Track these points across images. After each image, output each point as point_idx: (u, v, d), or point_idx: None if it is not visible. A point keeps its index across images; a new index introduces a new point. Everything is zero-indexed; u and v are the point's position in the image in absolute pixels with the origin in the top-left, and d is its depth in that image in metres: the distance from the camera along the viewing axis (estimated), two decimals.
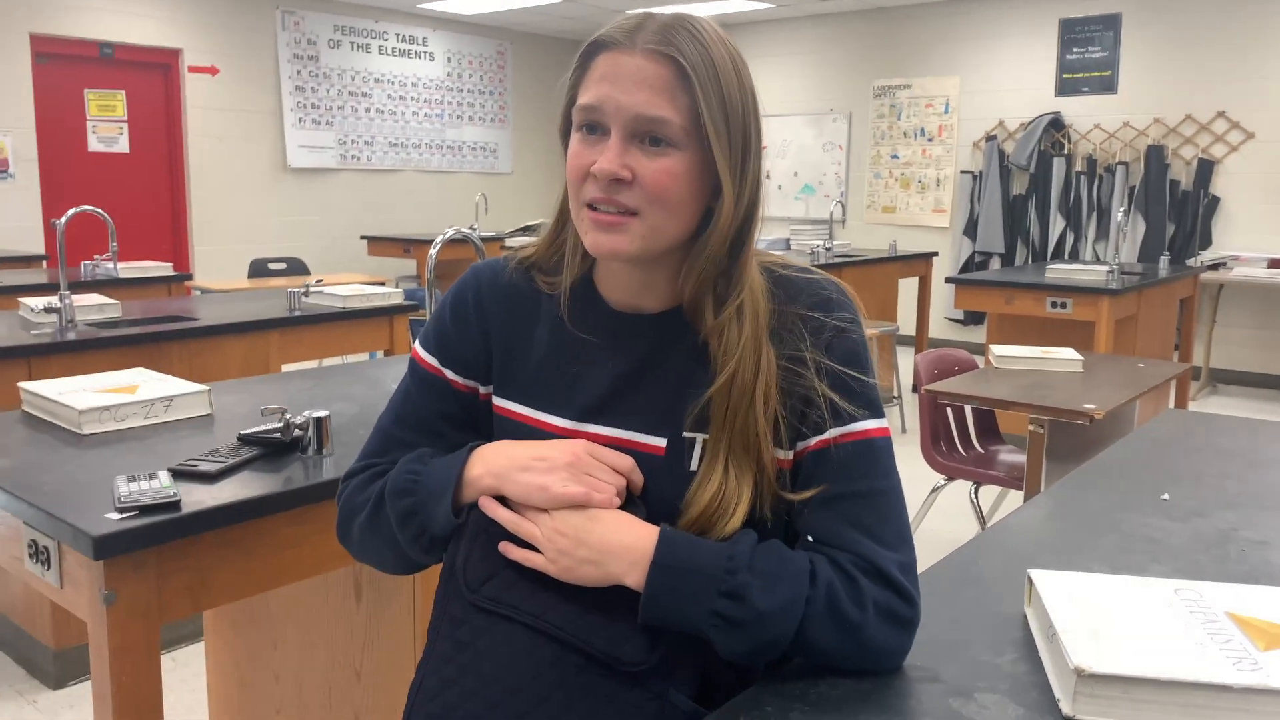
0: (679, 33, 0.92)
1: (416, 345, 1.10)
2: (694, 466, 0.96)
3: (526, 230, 7.69)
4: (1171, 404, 4.31)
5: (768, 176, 9.15)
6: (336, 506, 1.08)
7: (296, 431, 1.65)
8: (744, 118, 0.94)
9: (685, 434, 0.97)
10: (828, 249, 6.23)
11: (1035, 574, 1.02)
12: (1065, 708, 0.84)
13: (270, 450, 1.64)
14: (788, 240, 8.13)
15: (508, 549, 0.94)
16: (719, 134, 0.92)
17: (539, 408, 1.02)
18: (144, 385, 1.97)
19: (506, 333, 1.05)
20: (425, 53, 8.86)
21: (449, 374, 1.07)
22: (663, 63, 0.91)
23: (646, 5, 8.16)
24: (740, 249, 0.96)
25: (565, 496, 0.92)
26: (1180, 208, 7.06)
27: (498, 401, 1.06)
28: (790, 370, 0.96)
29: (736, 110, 0.93)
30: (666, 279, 1.00)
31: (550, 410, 1.02)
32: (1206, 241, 6.94)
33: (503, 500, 0.96)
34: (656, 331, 1.00)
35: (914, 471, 3.80)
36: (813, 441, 0.95)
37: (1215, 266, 6.50)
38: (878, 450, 0.95)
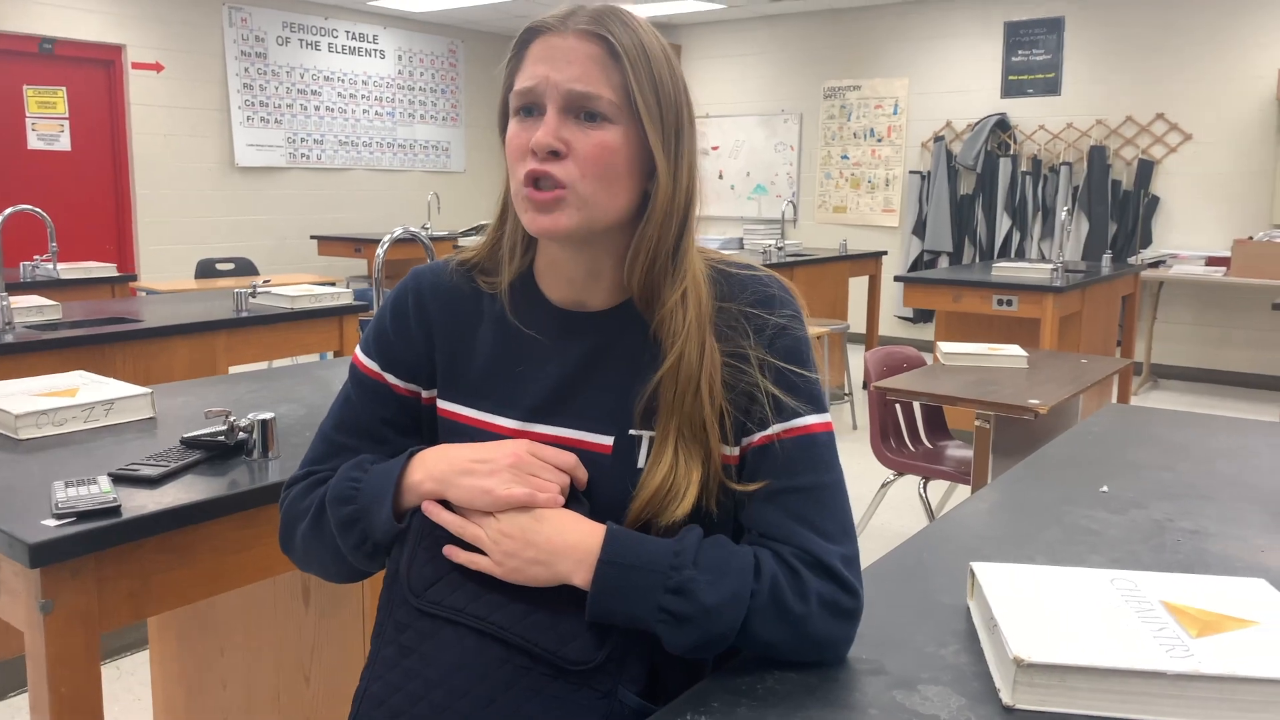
0: (609, 17, 0.95)
1: (357, 350, 1.09)
2: (641, 463, 0.96)
3: (479, 230, 7.64)
4: (1114, 399, 4.40)
5: (720, 177, 9.21)
6: (279, 509, 1.07)
7: (241, 434, 1.62)
8: (675, 100, 0.96)
9: (632, 431, 0.97)
10: (780, 248, 6.27)
11: (977, 566, 1.04)
12: (1005, 697, 0.86)
13: (214, 453, 1.62)
14: (740, 240, 8.18)
15: (452, 553, 0.94)
16: (650, 111, 0.94)
17: (484, 409, 1.02)
18: (84, 388, 1.93)
19: (449, 334, 1.05)
20: (376, 50, 8.76)
21: (390, 378, 1.06)
22: (595, 41, 0.94)
23: (592, 4, 8.14)
24: (682, 236, 0.98)
25: (509, 499, 0.92)
26: (1122, 207, 7.22)
27: (442, 404, 1.05)
28: (734, 366, 0.97)
29: (668, 91, 0.95)
30: (610, 270, 1.00)
31: (496, 411, 1.02)
32: (1147, 240, 7.11)
33: (446, 504, 0.96)
34: (600, 328, 1.01)
35: (864, 467, 3.85)
36: (756, 437, 0.96)
37: (1156, 264, 6.66)
38: (820, 445, 0.97)
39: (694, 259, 0.99)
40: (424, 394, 1.07)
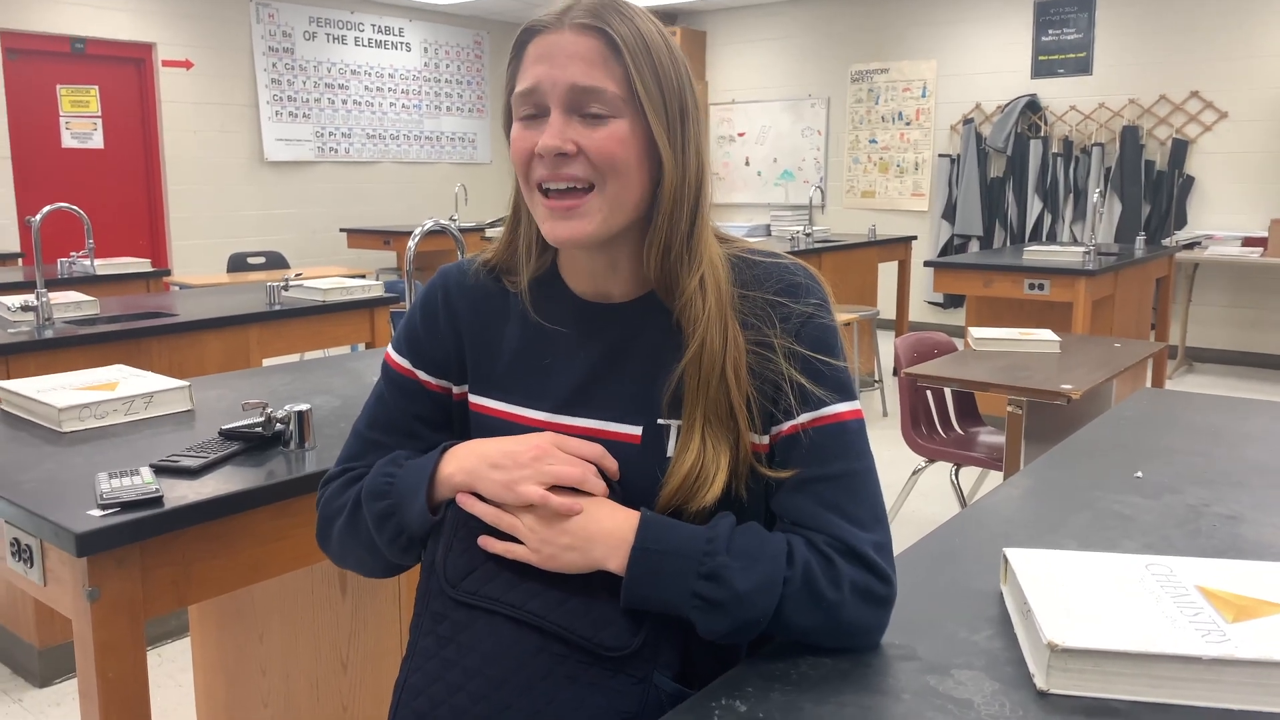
0: (607, 9, 0.94)
1: (389, 348, 1.11)
2: (670, 453, 0.97)
3: (504, 221, 7.66)
4: (1148, 383, 4.35)
5: (746, 163, 9.17)
6: (316, 507, 1.09)
7: (278, 425, 1.65)
8: (678, 87, 0.96)
9: (660, 421, 0.98)
10: (808, 234, 6.25)
11: (1010, 552, 1.04)
12: (1039, 682, 0.86)
13: (252, 445, 1.64)
14: (768, 226, 8.16)
15: (488, 542, 0.95)
16: (653, 101, 0.93)
17: (515, 402, 1.04)
18: (124, 382, 1.97)
19: (477, 331, 1.06)
20: (402, 43, 8.80)
21: (421, 375, 1.08)
22: (593, 35, 0.93)
23: None
24: (695, 222, 0.97)
25: (524, 496, 0.93)
26: (1155, 188, 7.11)
27: (474, 399, 1.07)
28: (760, 354, 0.97)
29: (670, 79, 0.95)
30: (629, 263, 1.01)
31: (526, 404, 1.03)
32: (1181, 221, 7.00)
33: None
34: (625, 320, 1.01)
35: (895, 454, 3.83)
36: (785, 426, 0.96)
37: (1190, 246, 6.56)
38: (850, 432, 0.97)
39: (710, 244, 0.99)
40: (455, 390, 1.08)
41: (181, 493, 1.43)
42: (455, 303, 1.07)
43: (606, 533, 0.92)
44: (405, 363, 1.08)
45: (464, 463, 0.98)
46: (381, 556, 1.04)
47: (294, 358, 4.36)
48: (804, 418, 0.95)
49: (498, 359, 1.05)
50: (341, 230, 7.66)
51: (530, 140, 0.95)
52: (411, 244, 2.16)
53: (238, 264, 6.12)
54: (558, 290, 1.04)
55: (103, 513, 1.33)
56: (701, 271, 0.96)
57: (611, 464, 0.98)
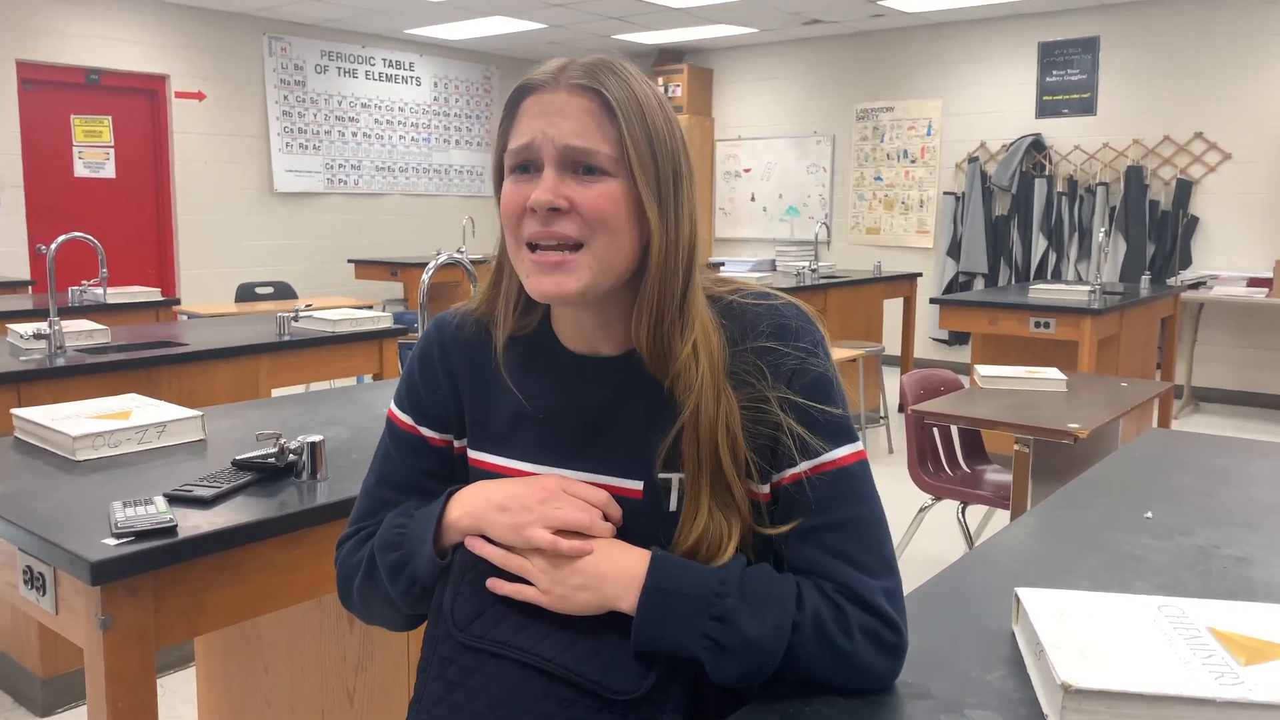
0: (602, 70, 0.94)
1: (392, 405, 1.11)
2: (673, 507, 0.97)
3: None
4: (1154, 423, 4.35)
5: (752, 199, 9.23)
6: (333, 561, 1.10)
7: (291, 456, 1.66)
8: (671, 150, 0.95)
9: (660, 475, 0.97)
10: (813, 270, 6.27)
11: (1022, 592, 1.04)
12: None
13: (264, 475, 1.65)
14: (773, 261, 8.19)
15: (497, 585, 0.95)
16: (644, 165, 0.93)
17: (513, 457, 1.03)
18: (137, 411, 1.98)
19: (473, 385, 1.06)
20: (412, 77, 8.90)
21: (425, 431, 1.08)
22: (588, 96, 0.93)
23: (623, 31, 8.24)
24: (687, 288, 0.96)
25: (531, 539, 0.93)
26: (1160, 228, 7.15)
27: (473, 454, 1.07)
28: (754, 410, 0.95)
29: (663, 141, 0.95)
30: (620, 321, 1.00)
31: (524, 459, 1.03)
32: (1186, 261, 7.03)
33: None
34: (618, 375, 1.00)
35: (901, 491, 3.82)
36: (786, 474, 0.95)
37: (1195, 285, 6.58)
38: (853, 476, 0.96)
39: (701, 308, 0.97)
40: (455, 443, 1.08)
41: (195, 522, 1.44)
42: (451, 357, 1.07)
43: (619, 571, 0.92)
44: (408, 419, 1.09)
45: (469, 506, 0.98)
46: (401, 609, 1.04)
47: (300, 388, 4.38)
48: (804, 466, 0.94)
49: (495, 413, 1.05)
50: (349, 261, 7.71)
51: (523, 195, 0.94)
52: (426, 276, 2.18)
53: (246, 294, 6.15)
54: (550, 345, 1.04)
55: (117, 542, 1.34)
56: (694, 337, 0.95)
57: (616, 511, 0.97)
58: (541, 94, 0.95)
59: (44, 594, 1.41)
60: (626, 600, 0.91)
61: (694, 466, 0.94)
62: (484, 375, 1.06)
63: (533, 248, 0.94)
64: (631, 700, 0.91)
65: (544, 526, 0.93)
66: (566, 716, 0.90)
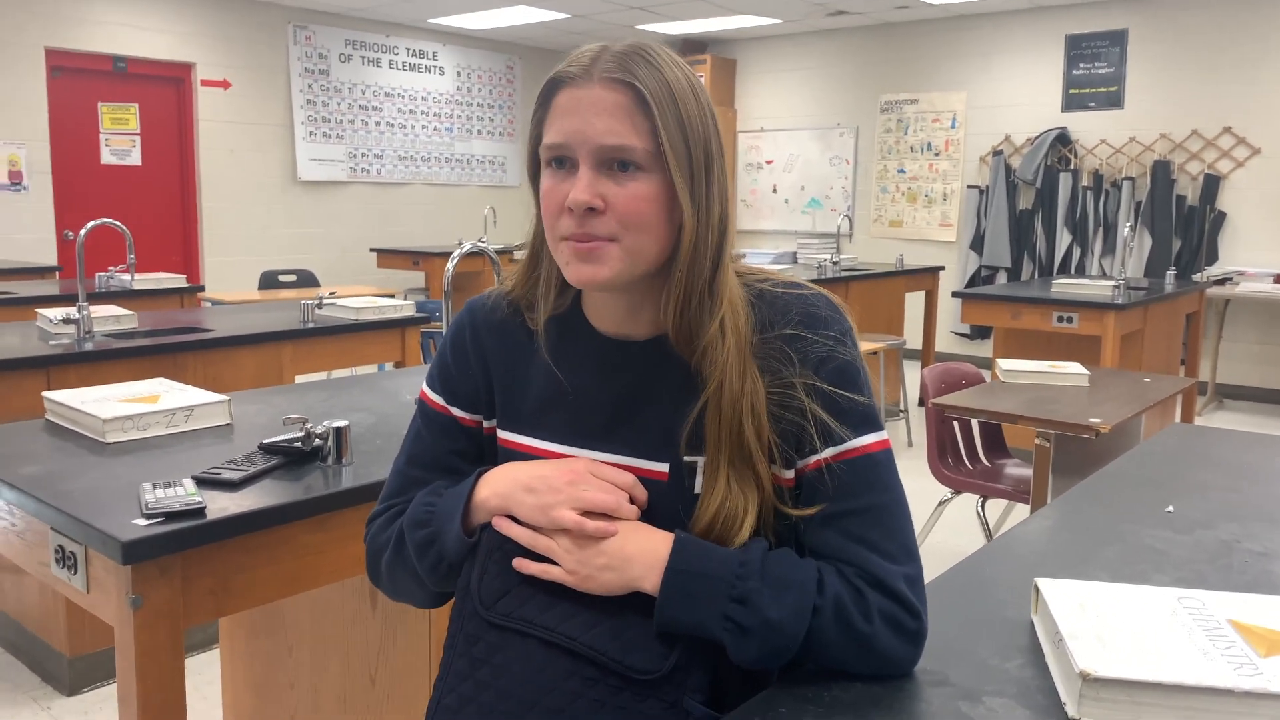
0: (634, 60, 0.94)
1: (424, 385, 1.13)
2: (697, 489, 0.98)
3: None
4: (1178, 418, 4.32)
5: (774, 191, 9.21)
6: (362, 536, 1.12)
7: (317, 441, 1.68)
8: (704, 137, 0.96)
9: (686, 458, 0.98)
10: (835, 262, 6.26)
11: (1042, 582, 1.05)
12: (1071, 711, 0.87)
13: (290, 459, 1.68)
14: (795, 254, 8.17)
15: (523, 564, 0.97)
16: (678, 156, 0.94)
17: (542, 438, 1.05)
18: (165, 395, 2.01)
19: (504, 367, 1.08)
20: (435, 67, 8.93)
21: (456, 411, 1.10)
22: (621, 90, 0.93)
23: (646, 21, 8.23)
24: (716, 270, 0.97)
25: (559, 520, 0.95)
26: (1186, 223, 7.08)
27: (502, 434, 1.08)
28: (780, 395, 0.97)
29: (696, 130, 0.95)
30: (651, 305, 1.01)
31: (553, 440, 1.04)
32: (1213, 257, 6.96)
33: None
34: (647, 357, 1.02)
35: (921, 485, 3.82)
36: (810, 461, 0.96)
37: (1221, 281, 6.52)
38: (876, 464, 0.97)
39: (731, 286, 0.98)
40: (485, 424, 1.10)
41: (223, 504, 1.46)
42: (483, 338, 1.09)
43: (644, 552, 0.94)
44: (439, 399, 1.10)
45: (498, 487, 1.00)
46: (427, 586, 1.06)
47: (322, 375, 4.42)
48: (828, 452, 0.95)
49: (525, 394, 1.06)
50: (371, 250, 7.76)
51: (561, 192, 0.95)
52: (450, 265, 2.20)
53: (269, 281, 6.20)
54: (581, 327, 1.05)
55: (147, 522, 1.36)
56: (722, 314, 0.96)
57: (641, 493, 0.99)
58: (574, 88, 0.95)
59: (75, 573, 1.44)
60: (650, 581, 0.93)
61: (715, 441, 0.95)
62: (515, 357, 1.07)
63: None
64: (653, 680, 0.92)
65: (571, 508, 0.95)
66: (589, 695, 0.92)
